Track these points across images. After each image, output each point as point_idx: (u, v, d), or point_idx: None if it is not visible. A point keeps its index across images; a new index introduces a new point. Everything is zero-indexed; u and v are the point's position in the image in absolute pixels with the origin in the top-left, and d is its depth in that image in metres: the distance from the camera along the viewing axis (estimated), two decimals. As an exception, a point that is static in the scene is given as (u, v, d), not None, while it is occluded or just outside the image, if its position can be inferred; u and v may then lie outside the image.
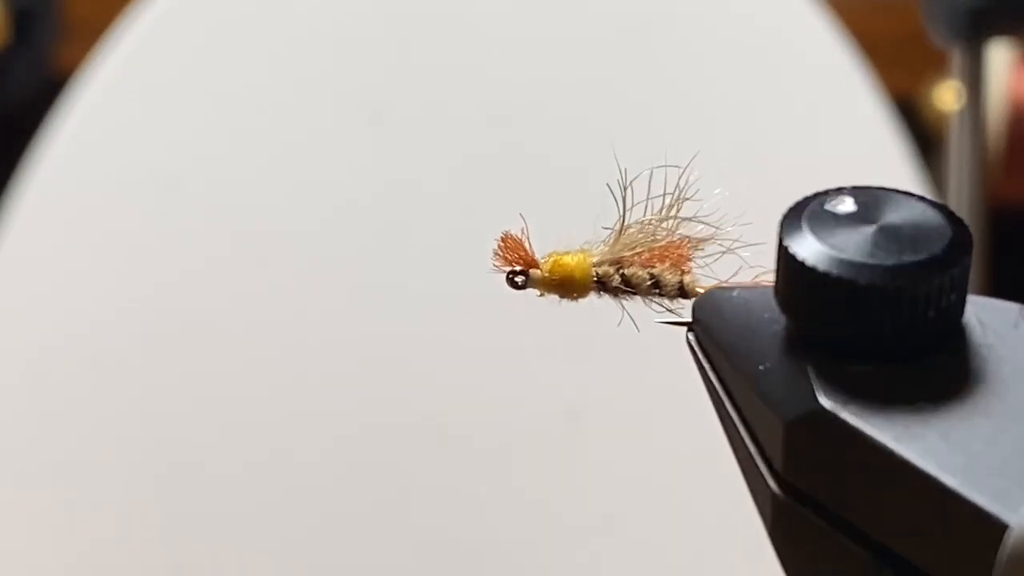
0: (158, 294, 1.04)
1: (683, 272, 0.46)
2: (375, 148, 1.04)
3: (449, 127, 1.05)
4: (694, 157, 0.45)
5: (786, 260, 0.38)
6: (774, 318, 0.39)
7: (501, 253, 0.47)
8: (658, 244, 0.46)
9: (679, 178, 0.45)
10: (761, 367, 0.38)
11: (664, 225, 0.46)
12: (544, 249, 0.47)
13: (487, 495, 1.02)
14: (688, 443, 1.00)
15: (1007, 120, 1.49)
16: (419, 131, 1.04)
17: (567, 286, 0.46)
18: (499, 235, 0.47)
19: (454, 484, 1.02)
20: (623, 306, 0.46)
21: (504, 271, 0.47)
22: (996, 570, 0.32)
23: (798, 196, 0.40)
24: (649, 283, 0.45)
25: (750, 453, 0.39)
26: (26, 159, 1.05)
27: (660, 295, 0.46)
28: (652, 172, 0.45)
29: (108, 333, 1.03)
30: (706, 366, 0.41)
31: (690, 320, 0.42)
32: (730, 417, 0.40)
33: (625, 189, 0.45)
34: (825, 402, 0.36)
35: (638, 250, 0.46)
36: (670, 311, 0.46)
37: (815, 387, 0.37)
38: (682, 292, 0.45)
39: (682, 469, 1.00)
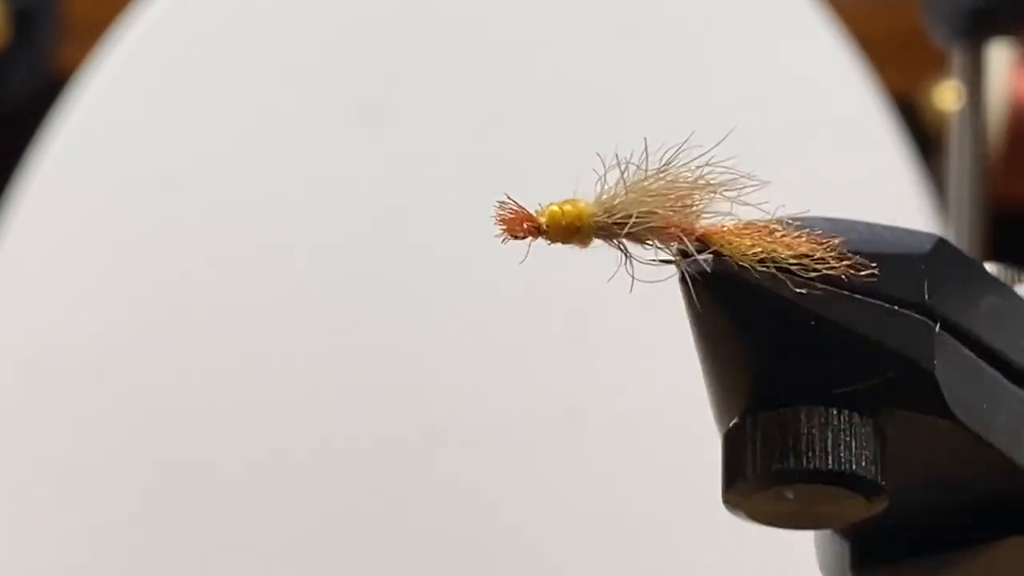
0: (157, 293, 1.04)
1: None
2: (374, 148, 1.04)
3: (447, 127, 1.05)
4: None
5: None
6: None
7: (505, 216, 0.44)
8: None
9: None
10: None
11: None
12: (543, 245, 0.46)
13: (486, 494, 1.02)
14: (687, 443, 1.00)
15: (1007, 120, 1.48)
16: (417, 130, 1.04)
17: (576, 211, 0.44)
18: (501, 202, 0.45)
19: (453, 483, 1.02)
20: (624, 252, 0.43)
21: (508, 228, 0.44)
22: None
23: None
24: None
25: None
26: (26, 159, 1.05)
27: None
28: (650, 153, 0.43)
29: (107, 333, 1.03)
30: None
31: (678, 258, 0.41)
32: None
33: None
34: None
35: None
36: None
37: None
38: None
39: (682, 469, 1.00)
